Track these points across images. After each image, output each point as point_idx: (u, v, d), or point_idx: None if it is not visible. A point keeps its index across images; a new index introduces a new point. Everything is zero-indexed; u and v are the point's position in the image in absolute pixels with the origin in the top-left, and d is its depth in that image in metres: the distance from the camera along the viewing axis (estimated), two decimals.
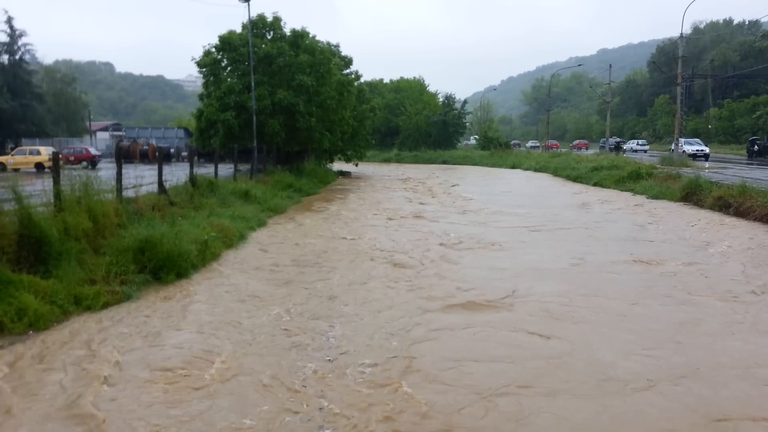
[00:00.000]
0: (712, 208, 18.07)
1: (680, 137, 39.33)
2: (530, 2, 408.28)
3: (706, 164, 34.10)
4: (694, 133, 72.68)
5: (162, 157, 15.28)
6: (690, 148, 40.91)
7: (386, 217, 17.81)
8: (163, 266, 9.34)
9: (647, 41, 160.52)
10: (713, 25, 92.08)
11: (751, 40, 79.30)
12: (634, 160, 33.34)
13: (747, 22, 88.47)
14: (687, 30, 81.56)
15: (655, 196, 21.60)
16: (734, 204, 17.13)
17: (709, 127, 70.16)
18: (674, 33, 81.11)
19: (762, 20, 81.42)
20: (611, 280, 9.74)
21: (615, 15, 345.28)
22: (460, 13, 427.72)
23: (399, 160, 59.91)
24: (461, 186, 29.65)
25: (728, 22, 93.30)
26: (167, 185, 14.62)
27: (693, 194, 19.94)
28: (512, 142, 76.98)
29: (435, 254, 11.86)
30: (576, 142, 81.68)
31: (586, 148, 70.88)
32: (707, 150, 41.83)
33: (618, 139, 61.57)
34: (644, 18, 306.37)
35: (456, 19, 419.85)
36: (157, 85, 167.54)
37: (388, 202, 22.41)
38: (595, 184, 28.03)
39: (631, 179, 25.79)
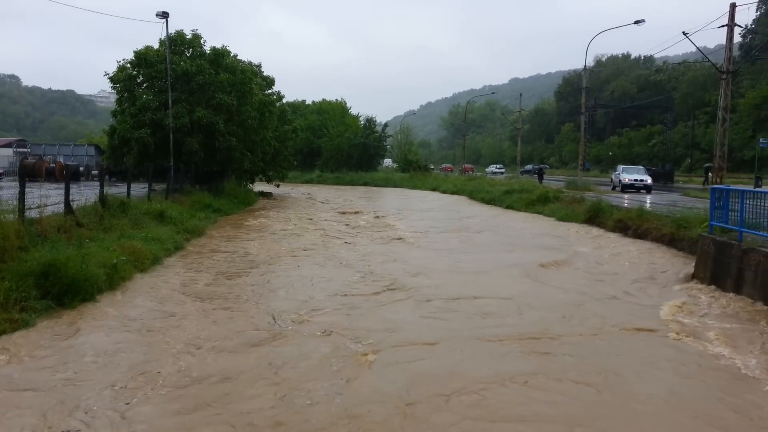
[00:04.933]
0: (613, 229, 19.37)
1: (585, 162, 40.84)
2: (418, 34, 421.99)
3: (648, 197, 28.33)
4: (596, 160, 77.75)
5: (70, 176, 14.59)
6: (627, 177, 33.94)
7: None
8: (67, 291, 8.92)
9: (554, 72, 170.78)
10: (613, 59, 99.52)
11: (647, 73, 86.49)
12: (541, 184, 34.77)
13: (642, 57, 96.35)
14: (590, 63, 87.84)
15: (562, 219, 22.87)
16: (632, 226, 18.47)
17: (610, 153, 75.39)
18: (579, 65, 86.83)
19: (656, 56, 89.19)
20: None
21: (525, 47, 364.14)
22: (366, 44, 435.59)
23: (321, 182, 59.95)
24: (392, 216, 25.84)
25: (626, 57, 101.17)
26: (75, 205, 13.94)
27: (596, 217, 21.31)
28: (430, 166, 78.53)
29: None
30: (464, 165, 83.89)
31: (472, 171, 69.88)
32: (648, 180, 33.67)
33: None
34: (551, 50, 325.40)
35: (365, 49, 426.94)
36: (67, 100, 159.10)
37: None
38: (507, 207, 29.27)
39: (540, 202, 27.18)
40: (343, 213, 27.29)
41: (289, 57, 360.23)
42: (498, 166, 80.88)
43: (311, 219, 24.30)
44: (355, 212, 27.64)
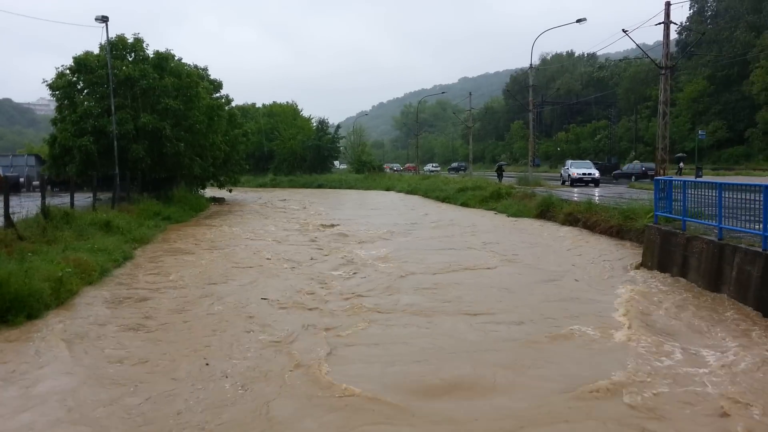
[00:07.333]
0: (563, 223, 19.87)
1: (534, 158, 41.55)
2: (358, 36, 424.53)
3: (596, 191, 28.95)
4: (545, 156, 79.65)
5: (9, 187, 13.93)
6: (576, 172, 35.21)
7: None
8: (11, 308, 8.51)
9: (502, 70, 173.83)
10: (558, 57, 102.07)
11: (590, 70, 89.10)
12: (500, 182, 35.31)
13: (586, 55, 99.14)
14: (536, 61, 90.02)
15: (515, 214, 23.32)
16: (582, 219, 18.99)
17: (558, 149, 77.40)
18: (525, 63, 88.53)
19: (598, 53, 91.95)
20: None
21: (470, 46, 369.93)
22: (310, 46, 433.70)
23: (275, 185, 59.20)
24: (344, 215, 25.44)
25: (570, 54, 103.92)
26: (15, 218, 13.32)
27: (547, 211, 21.83)
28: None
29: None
30: (407, 165, 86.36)
31: (416, 170, 69.58)
32: (596, 174, 35.47)
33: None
34: (496, 49, 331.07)
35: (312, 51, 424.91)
36: (4, 108, 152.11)
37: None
38: (462, 204, 29.65)
39: (493, 199, 27.64)
40: (303, 225, 23.00)
41: (231, 61, 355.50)
42: (434, 164, 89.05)
43: (263, 235, 19.70)
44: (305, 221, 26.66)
